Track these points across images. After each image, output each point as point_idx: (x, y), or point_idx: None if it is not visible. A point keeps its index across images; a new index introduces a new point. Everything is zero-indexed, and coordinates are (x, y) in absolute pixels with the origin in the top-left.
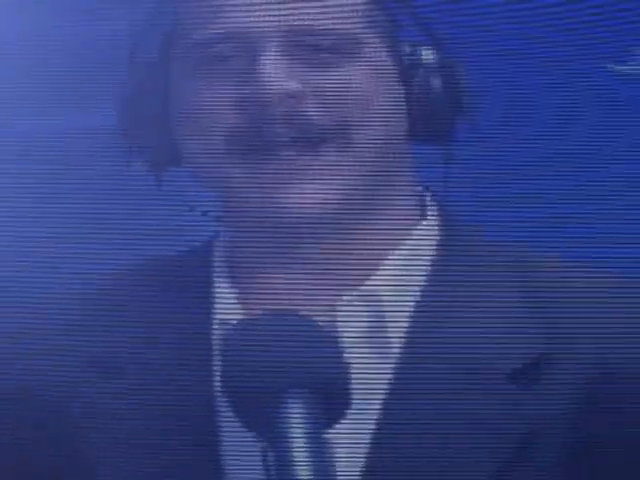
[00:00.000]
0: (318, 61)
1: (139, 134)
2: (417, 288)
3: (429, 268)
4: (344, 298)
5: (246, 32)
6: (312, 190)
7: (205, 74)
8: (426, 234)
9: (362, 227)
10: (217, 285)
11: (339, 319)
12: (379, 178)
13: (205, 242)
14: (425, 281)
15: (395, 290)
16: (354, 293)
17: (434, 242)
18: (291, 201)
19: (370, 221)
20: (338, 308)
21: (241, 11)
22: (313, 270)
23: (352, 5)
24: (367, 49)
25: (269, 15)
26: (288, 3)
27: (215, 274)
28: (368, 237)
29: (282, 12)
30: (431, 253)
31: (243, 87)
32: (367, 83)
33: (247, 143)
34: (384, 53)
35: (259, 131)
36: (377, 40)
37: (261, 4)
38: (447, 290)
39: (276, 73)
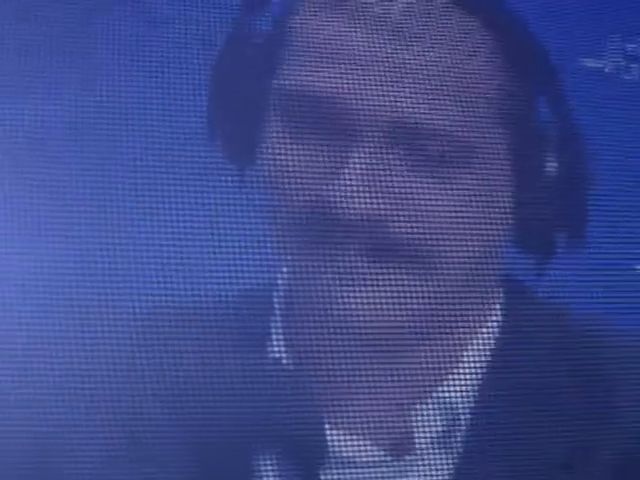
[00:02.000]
0: (419, 170)
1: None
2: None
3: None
4: (417, 407)
5: (346, 109)
6: (377, 301)
7: (288, 125)
8: (495, 328)
9: (431, 338)
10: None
11: (413, 427)
12: (456, 295)
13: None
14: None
15: (467, 394)
16: (428, 401)
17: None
18: (352, 308)
19: (441, 332)
20: (412, 416)
21: (344, 81)
22: (379, 378)
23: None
24: (480, 158)
25: (380, 97)
26: (401, 94)
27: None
28: (439, 345)
29: (393, 101)
30: (500, 347)
31: (321, 176)
32: (470, 200)
33: (315, 231)
34: (499, 159)
35: (327, 240)
36: (495, 145)
37: (371, 83)
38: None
39: (360, 189)
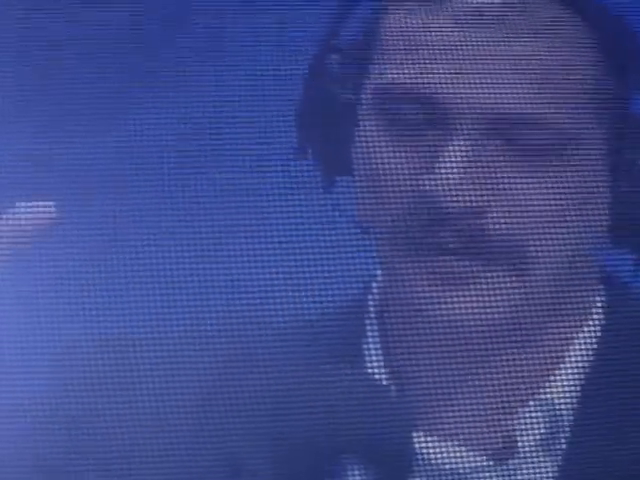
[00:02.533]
0: (519, 161)
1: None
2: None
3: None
4: (519, 410)
5: (439, 104)
6: (471, 302)
7: (384, 124)
8: (597, 327)
9: (531, 340)
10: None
11: (516, 431)
12: (556, 293)
13: (355, 299)
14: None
15: (570, 395)
16: (530, 404)
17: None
18: (450, 308)
19: (540, 332)
20: (515, 420)
21: (441, 75)
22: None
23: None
24: (577, 150)
25: (475, 93)
26: (503, 80)
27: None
28: (540, 346)
29: (491, 92)
30: (602, 346)
31: (419, 170)
32: (568, 194)
33: (411, 228)
34: (596, 152)
35: (425, 227)
36: (592, 138)
37: (469, 76)
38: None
39: (460, 180)
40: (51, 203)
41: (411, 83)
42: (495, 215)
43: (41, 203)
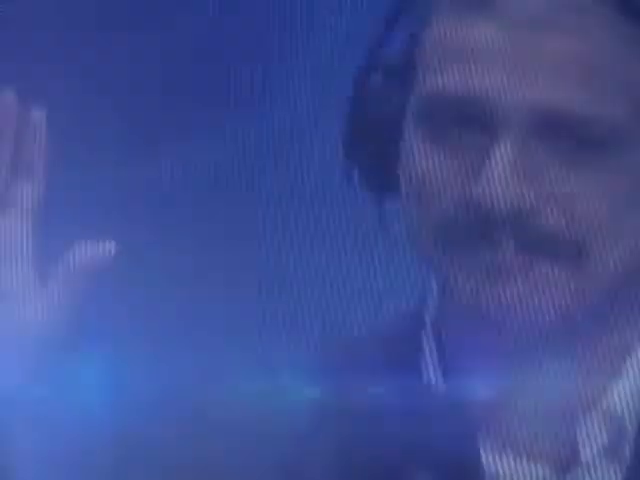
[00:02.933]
0: (570, 157)
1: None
2: None
3: None
4: (581, 419)
5: (485, 105)
6: (532, 303)
7: (429, 132)
8: None
9: (592, 346)
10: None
11: (578, 440)
12: (615, 294)
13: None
14: None
15: (633, 403)
16: (592, 413)
17: None
18: (506, 310)
19: (602, 339)
20: (577, 430)
21: (486, 76)
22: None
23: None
24: (626, 146)
25: (523, 88)
26: (549, 78)
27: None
28: (601, 353)
29: (539, 87)
30: None
31: (465, 175)
32: (627, 190)
33: (460, 231)
34: None
35: (476, 239)
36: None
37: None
38: None
39: (512, 180)
40: (112, 243)
41: (456, 87)
42: (550, 214)
43: (102, 243)
